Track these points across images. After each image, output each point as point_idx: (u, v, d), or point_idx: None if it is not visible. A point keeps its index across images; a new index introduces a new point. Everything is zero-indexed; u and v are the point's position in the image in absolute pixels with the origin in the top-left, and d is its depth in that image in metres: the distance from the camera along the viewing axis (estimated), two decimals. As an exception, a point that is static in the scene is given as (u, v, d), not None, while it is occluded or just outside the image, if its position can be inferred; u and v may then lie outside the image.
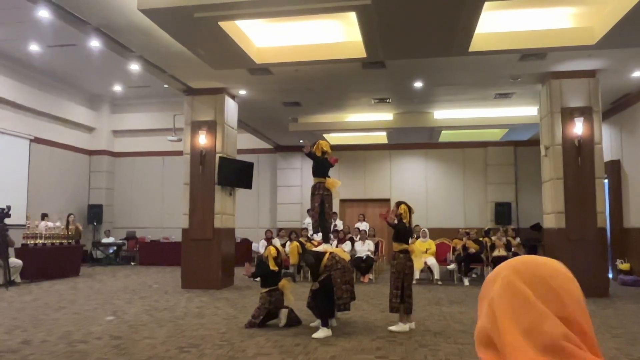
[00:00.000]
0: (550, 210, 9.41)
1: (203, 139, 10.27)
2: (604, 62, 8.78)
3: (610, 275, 10.76)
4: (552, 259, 0.82)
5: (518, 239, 12.30)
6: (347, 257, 6.80)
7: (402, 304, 6.21)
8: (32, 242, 11.43)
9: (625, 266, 10.85)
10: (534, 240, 14.03)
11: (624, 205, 11.35)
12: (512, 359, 0.74)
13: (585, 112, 9.14)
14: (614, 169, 11.57)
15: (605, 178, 10.61)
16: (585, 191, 9.00)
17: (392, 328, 6.16)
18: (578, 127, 9.06)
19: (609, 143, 11.52)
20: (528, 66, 8.95)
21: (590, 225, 8.94)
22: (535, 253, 13.79)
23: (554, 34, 7.56)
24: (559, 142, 9.22)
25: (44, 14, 6.97)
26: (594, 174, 9.07)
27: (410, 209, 6.41)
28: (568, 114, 9.18)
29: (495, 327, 0.77)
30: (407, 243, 6.37)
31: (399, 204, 6.47)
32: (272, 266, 6.57)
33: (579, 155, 9.08)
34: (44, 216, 12.89)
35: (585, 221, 8.94)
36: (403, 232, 6.34)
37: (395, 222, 6.29)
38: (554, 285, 0.77)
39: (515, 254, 11.13)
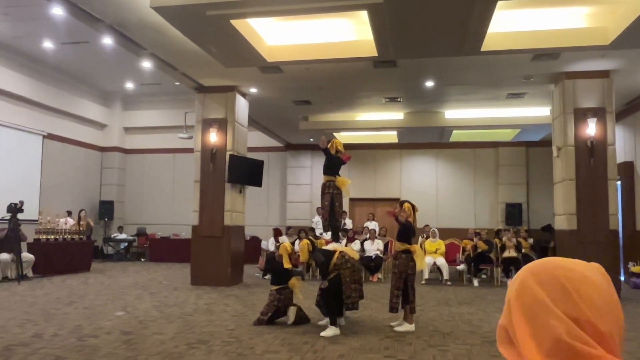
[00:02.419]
0: (561, 211, 9.33)
1: (214, 137, 10.31)
2: (618, 63, 8.68)
3: (622, 278, 10.66)
4: (585, 262, 0.82)
5: (531, 240, 12.19)
6: (357, 256, 6.80)
7: (407, 304, 6.19)
8: (44, 237, 11.56)
9: (637, 269, 10.72)
10: (545, 242, 13.93)
11: (637, 207, 11.22)
12: (524, 357, 0.77)
13: (599, 113, 9.04)
14: (627, 170, 11.44)
15: (618, 180, 10.50)
16: (597, 193, 8.91)
17: (398, 329, 6.14)
18: (591, 128, 8.97)
19: (622, 144, 11.40)
20: (541, 66, 8.87)
21: (603, 228, 8.85)
22: (545, 255, 13.70)
23: (568, 33, 7.49)
24: (572, 143, 9.13)
25: (57, 11, 7.03)
26: (606, 176, 8.97)
27: (414, 208, 6.39)
28: (581, 115, 9.09)
29: (511, 326, 0.80)
30: (410, 243, 6.33)
31: (402, 203, 6.45)
32: (287, 263, 6.55)
33: (591, 157, 8.99)
34: (69, 213, 13.19)
35: (598, 223, 8.85)
36: (408, 231, 6.32)
37: (409, 219, 6.28)
38: (567, 286, 0.77)
39: (526, 256, 11.07)
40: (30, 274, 10.81)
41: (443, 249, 11.27)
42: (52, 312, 7.05)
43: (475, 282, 10.69)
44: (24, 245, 10.87)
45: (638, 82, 9.74)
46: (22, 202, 10.58)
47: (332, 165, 6.83)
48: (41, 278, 10.84)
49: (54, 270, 11.41)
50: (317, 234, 11.82)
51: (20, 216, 10.55)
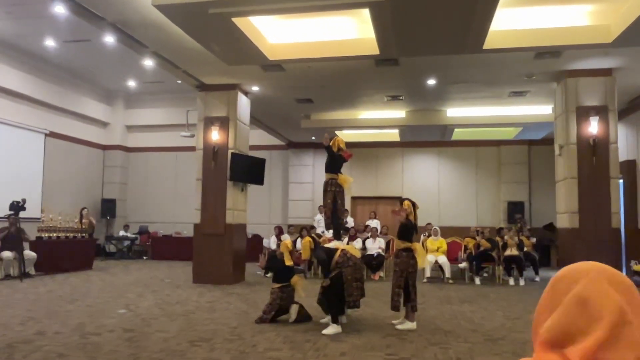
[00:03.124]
0: (563, 210, 9.32)
1: (216, 135, 10.32)
2: (621, 61, 8.66)
3: (624, 277, 10.63)
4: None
5: (533, 239, 12.17)
6: (358, 254, 6.80)
7: (408, 302, 6.19)
8: (46, 235, 11.58)
9: (639, 267, 10.71)
10: (547, 240, 13.92)
11: (639, 205, 11.20)
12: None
13: (601, 111, 9.02)
14: (630, 169, 11.42)
15: (620, 178, 10.48)
16: (599, 191, 8.90)
17: (400, 327, 6.14)
18: (593, 126, 8.96)
19: (624, 143, 11.37)
20: (543, 64, 8.86)
21: (605, 226, 8.83)
22: (548, 253, 13.64)
23: (570, 31, 7.48)
24: (574, 141, 9.12)
25: (60, 9, 7.03)
26: (608, 174, 8.96)
27: (414, 205, 6.39)
28: (583, 113, 9.07)
29: (591, 322, 0.80)
30: (411, 241, 6.33)
31: (402, 201, 6.45)
32: (288, 261, 6.56)
33: (593, 155, 8.97)
34: (82, 210, 13.29)
35: (600, 221, 8.84)
36: (409, 229, 6.32)
37: (410, 219, 6.28)
38: (635, 294, 0.82)
39: (528, 254, 11.07)
40: (32, 271, 10.84)
41: (445, 247, 11.27)
42: (55, 309, 7.07)
43: (477, 281, 10.68)
44: (26, 243, 10.90)
45: (641, 80, 9.71)
46: (24, 200, 10.60)
47: (334, 163, 6.82)
48: (43, 276, 10.87)
49: (57, 268, 11.43)
50: (319, 232, 11.82)
51: (22, 214, 10.57)
